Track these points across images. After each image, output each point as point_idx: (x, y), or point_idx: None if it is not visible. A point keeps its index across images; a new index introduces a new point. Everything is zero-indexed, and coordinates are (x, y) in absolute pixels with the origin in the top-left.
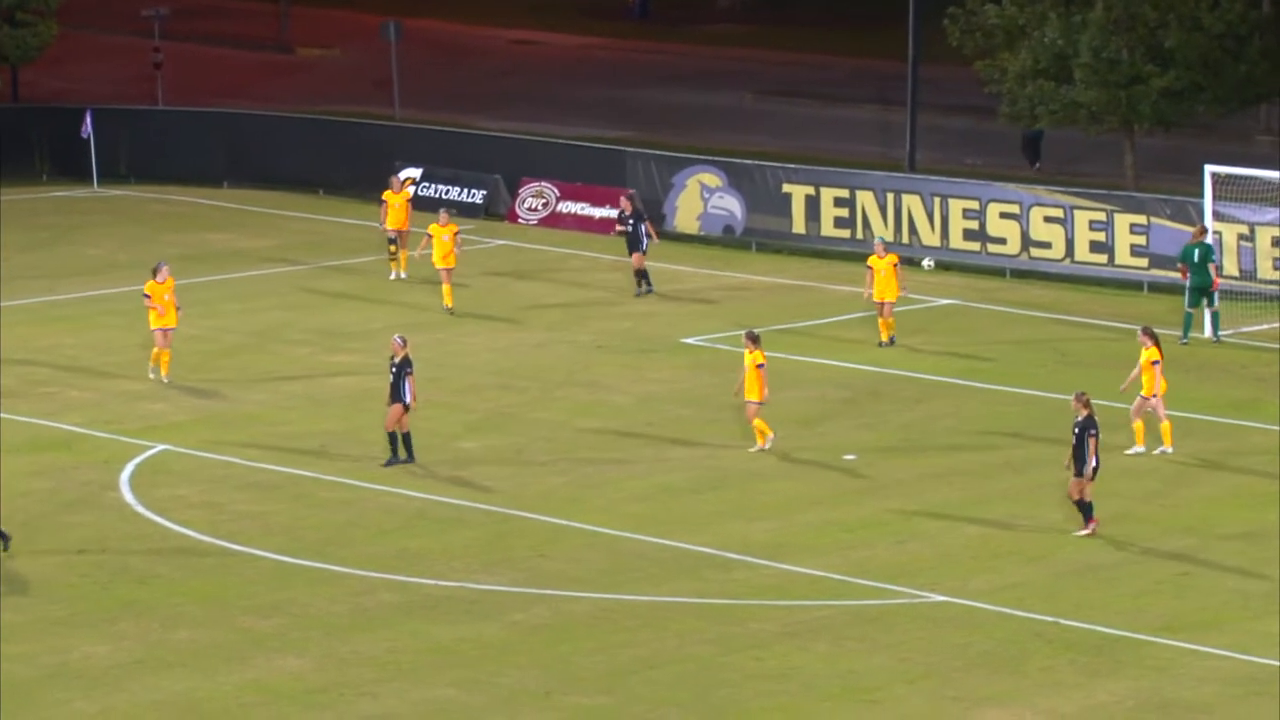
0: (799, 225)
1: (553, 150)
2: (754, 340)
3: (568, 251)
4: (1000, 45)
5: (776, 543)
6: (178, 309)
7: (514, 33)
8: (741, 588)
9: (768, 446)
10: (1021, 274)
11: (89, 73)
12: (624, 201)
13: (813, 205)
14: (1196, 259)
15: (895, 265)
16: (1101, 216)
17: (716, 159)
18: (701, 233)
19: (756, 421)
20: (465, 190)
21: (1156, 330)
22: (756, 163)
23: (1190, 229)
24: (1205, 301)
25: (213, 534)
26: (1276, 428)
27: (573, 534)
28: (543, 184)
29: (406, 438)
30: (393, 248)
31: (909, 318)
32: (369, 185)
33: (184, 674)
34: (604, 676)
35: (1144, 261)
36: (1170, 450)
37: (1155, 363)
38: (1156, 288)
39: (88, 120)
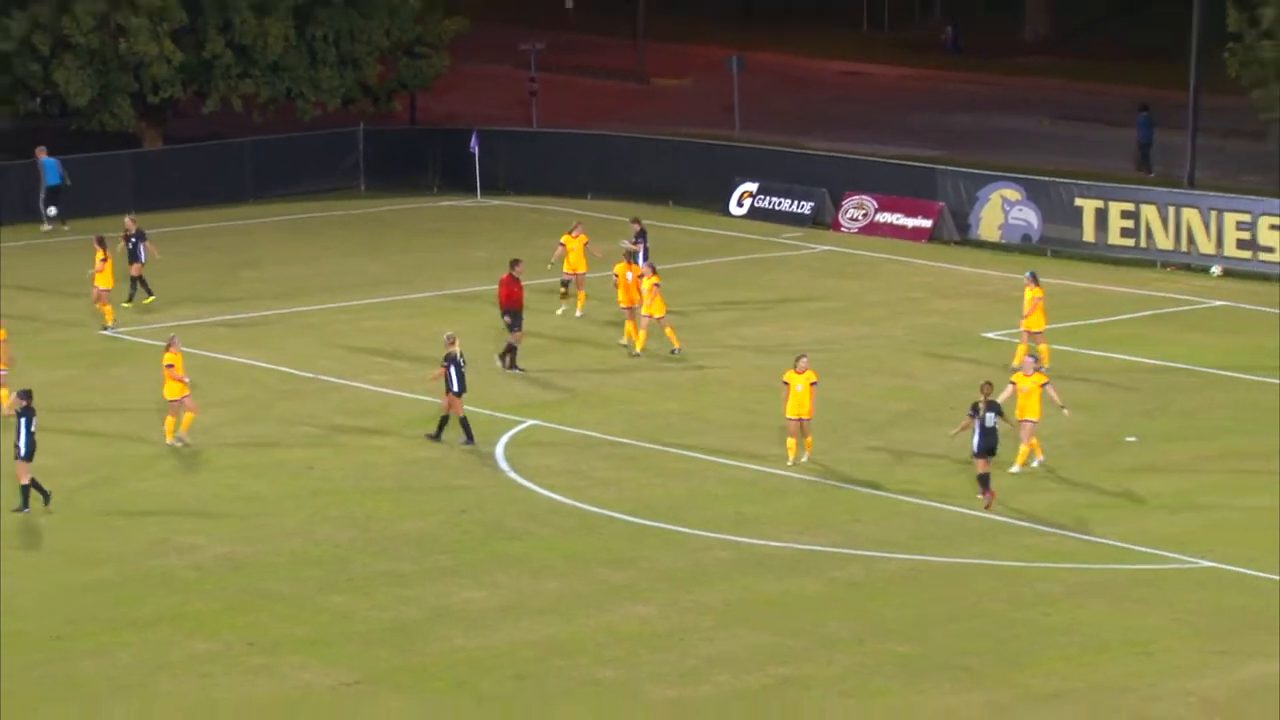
0: (1089, 235)
1: (872, 167)
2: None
3: (884, 256)
4: (1274, 76)
5: (1060, 512)
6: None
7: (842, 64)
8: (1030, 552)
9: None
10: None
11: (474, 99)
12: (634, 225)
13: (1101, 217)
14: None
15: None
16: None
17: (1017, 176)
18: (1002, 240)
19: (809, 439)
20: (795, 201)
21: None
22: (1052, 179)
23: None
24: None
25: (574, 498)
26: None
27: (883, 502)
28: (863, 197)
29: (463, 420)
30: (564, 289)
31: (1192, 319)
32: (713, 198)
33: (549, 618)
34: (911, 628)
35: None
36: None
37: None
38: None
39: (474, 139)
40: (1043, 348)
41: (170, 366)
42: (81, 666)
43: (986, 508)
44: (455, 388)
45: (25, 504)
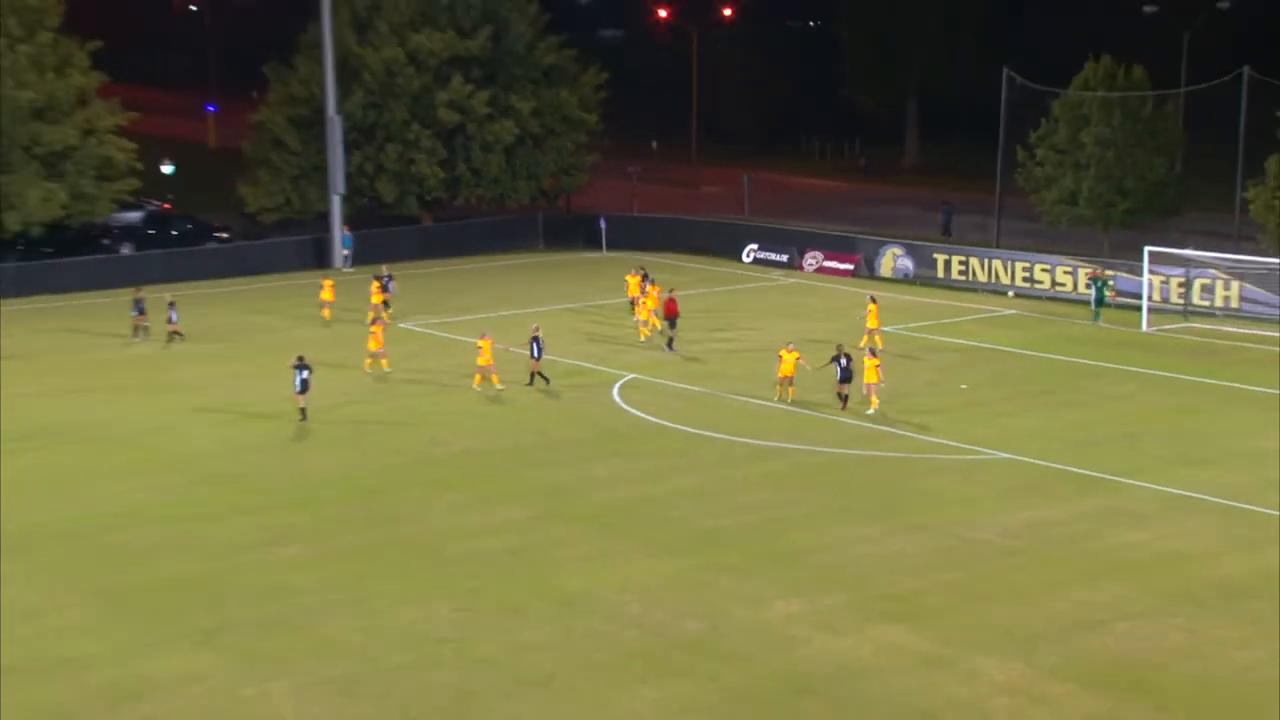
0: (940, 273)
1: (820, 236)
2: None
3: (827, 285)
4: (1043, 186)
5: (922, 426)
6: None
7: (806, 179)
8: (904, 448)
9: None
10: (1052, 299)
11: (602, 198)
12: (640, 271)
13: (947, 264)
14: (1101, 285)
15: (877, 366)
16: (1091, 270)
17: (901, 241)
18: (893, 277)
19: (792, 388)
20: (778, 254)
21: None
22: (920, 243)
23: (1127, 277)
24: (1098, 304)
25: (657, 417)
26: (1181, 377)
27: (825, 421)
28: (816, 252)
29: (544, 375)
30: (632, 306)
31: (998, 321)
32: (733, 252)
33: (642, 484)
34: (838, 490)
35: (1112, 293)
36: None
37: (879, 366)
38: (1117, 305)
39: (602, 220)
40: (877, 338)
41: (480, 349)
42: (406, 508)
43: (842, 409)
44: (536, 354)
45: (304, 417)
